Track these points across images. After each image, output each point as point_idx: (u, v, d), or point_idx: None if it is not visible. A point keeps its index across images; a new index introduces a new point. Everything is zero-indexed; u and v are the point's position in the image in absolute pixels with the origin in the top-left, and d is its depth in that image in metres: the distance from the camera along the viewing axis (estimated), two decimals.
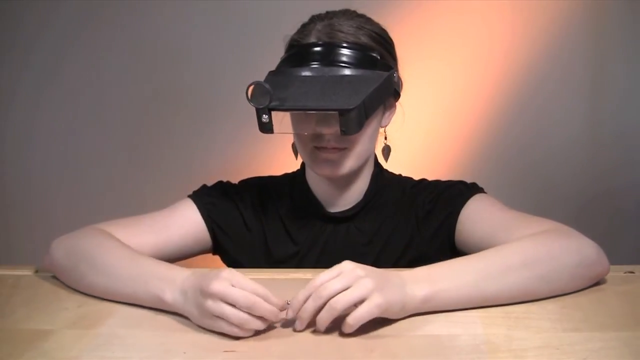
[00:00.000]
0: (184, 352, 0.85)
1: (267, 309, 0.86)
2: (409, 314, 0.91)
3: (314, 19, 1.14)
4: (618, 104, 1.99)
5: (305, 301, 0.87)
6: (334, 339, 0.88)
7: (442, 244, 1.15)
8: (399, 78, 1.14)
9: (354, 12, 1.15)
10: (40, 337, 0.90)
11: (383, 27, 1.15)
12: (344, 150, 1.10)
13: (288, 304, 0.88)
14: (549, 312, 0.92)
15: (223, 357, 0.84)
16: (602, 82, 1.98)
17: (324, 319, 0.86)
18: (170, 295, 0.93)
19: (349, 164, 1.12)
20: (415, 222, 1.18)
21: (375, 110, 1.08)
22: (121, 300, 0.99)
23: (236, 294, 0.86)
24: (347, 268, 0.87)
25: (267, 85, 0.99)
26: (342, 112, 0.99)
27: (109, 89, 2.08)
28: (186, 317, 0.93)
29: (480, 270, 0.93)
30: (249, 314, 0.86)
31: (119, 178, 2.11)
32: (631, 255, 2.00)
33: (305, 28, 1.13)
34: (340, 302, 0.85)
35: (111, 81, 2.07)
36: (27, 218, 2.17)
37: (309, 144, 1.11)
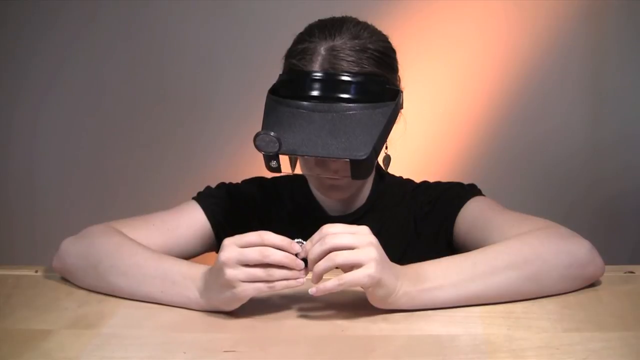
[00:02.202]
0: (184, 352, 0.85)
1: (282, 254, 0.90)
2: (390, 307, 0.92)
3: (313, 34, 1.07)
4: (618, 102, 1.99)
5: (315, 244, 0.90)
6: (334, 338, 0.88)
7: (441, 247, 1.14)
8: (401, 92, 1.09)
9: (356, 22, 1.09)
10: (40, 337, 0.90)
11: (385, 36, 1.11)
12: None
13: (300, 244, 0.91)
14: (549, 312, 0.92)
15: (223, 357, 0.84)
16: (602, 82, 1.98)
17: (320, 267, 0.89)
18: (198, 294, 0.95)
19: (356, 185, 1.13)
20: (413, 225, 1.19)
21: (384, 143, 1.06)
22: (146, 301, 0.99)
23: (248, 250, 0.89)
24: (363, 231, 0.90)
25: (275, 135, 0.97)
26: (354, 162, 0.98)
27: (111, 90, 2.08)
28: (223, 314, 0.94)
29: (467, 270, 0.93)
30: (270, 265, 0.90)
31: (121, 178, 2.11)
32: (631, 255, 2.00)
33: (306, 49, 1.05)
34: (339, 257, 0.88)
35: (112, 82, 2.08)
36: (28, 218, 2.17)
37: (314, 171, 1.10)
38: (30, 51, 2.06)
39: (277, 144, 0.98)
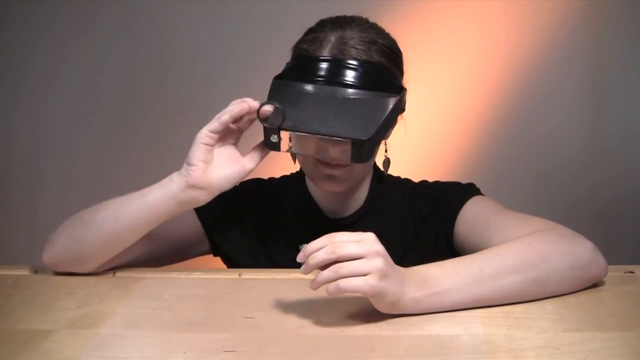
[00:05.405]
0: (184, 352, 0.85)
1: None
2: (399, 312, 0.91)
3: (325, 25, 1.09)
4: (618, 102, 2.00)
5: (317, 250, 0.88)
6: (334, 338, 0.88)
7: (441, 248, 1.14)
8: (405, 90, 1.09)
9: (366, 20, 1.11)
10: (39, 337, 0.89)
11: (393, 38, 1.12)
12: (348, 166, 1.08)
13: (300, 248, 0.90)
14: (549, 312, 0.92)
15: (223, 357, 0.84)
16: (602, 82, 1.98)
17: (324, 276, 0.87)
18: (177, 173, 1.08)
19: (353, 179, 1.12)
20: (413, 226, 1.18)
21: (385, 135, 1.07)
22: (133, 227, 1.06)
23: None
24: (370, 239, 0.88)
25: (280, 107, 0.97)
26: (356, 142, 0.97)
27: (111, 90, 2.09)
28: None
29: (473, 274, 0.93)
30: None
31: (121, 178, 2.11)
32: (632, 255, 2.00)
33: (316, 37, 1.07)
34: (344, 269, 0.86)
35: (112, 82, 2.08)
36: (28, 218, 2.17)
37: (312, 157, 1.09)
38: (30, 51, 2.06)
39: (281, 117, 0.97)
